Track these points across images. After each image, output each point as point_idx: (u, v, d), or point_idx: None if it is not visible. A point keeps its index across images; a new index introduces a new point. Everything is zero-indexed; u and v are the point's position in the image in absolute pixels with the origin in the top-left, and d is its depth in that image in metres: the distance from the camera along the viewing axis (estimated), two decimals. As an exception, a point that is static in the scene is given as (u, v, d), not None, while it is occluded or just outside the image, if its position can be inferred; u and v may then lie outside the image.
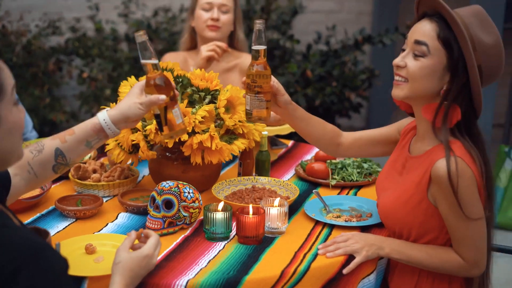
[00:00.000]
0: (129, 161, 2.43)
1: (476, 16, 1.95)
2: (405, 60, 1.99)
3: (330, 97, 4.47)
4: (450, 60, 1.94)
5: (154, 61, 1.90)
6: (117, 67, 4.68)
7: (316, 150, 3.07)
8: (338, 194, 2.54)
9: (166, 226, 2.12)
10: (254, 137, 2.40)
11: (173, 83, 1.95)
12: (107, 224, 2.21)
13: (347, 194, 2.54)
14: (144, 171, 2.70)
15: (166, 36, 4.73)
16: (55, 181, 2.52)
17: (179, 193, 2.12)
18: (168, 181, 2.16)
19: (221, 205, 2.12)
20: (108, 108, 1.92)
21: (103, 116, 1.87)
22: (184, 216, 2.13)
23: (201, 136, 2.26)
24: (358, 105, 4.71)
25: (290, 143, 3.17)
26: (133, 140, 2.28)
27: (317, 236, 2.14)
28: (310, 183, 2.63)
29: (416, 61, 1.97)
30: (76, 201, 2.31)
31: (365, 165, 2.69)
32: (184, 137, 2.24)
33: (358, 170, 2.65)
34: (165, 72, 1.99)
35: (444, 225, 2.00)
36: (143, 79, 2.01)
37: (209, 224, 2.09)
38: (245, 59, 3.38)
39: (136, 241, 1.83)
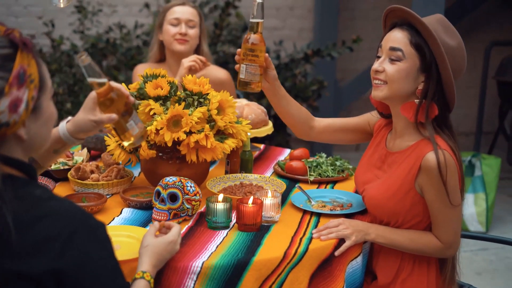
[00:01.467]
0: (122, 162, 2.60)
1: (440, 23, 2.23)
2: (383, 65, 2.26)
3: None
4: (423, 63, 2.21)
5: (102, 79, 1.90)
6: (78, 82, 4.82)
7: (288, 151, 3.31)
8: (317, 188, 2.77)
9: (171, 217, 2.30)
10: (241, 137, 2.61)
11: (126, 93, 1.96)
12: (114, 218, 2.37)
13: (324, 188, 2.78)
14: (135, 173, 2.87)
15: (123, 51, 4.91)
16: (55, 182, 2.65)
17: (182, 187, 2.31)
18: (171, 177, 2.35)
19: (221, 197, 2.32)
20: (69, 118, 2.05)
21: (63, 129, 2.00)
22: (187, 208, 2.32)
23: (197, 135, 2.46)
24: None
25: (262, 146, 3.40)
26: (135, 140, 2.46)
27: (308, 223, 2.37)
28: (289, 179, 2.85)
29: (393, 65, 2.23)
30: (81, 199, 2.46)
31: (338, 163, 2.94)
32: (182, 136, 2.43)
33: (332, 167, 2.90)
34: (115, 85, 1.95)
35: (427, 211, 2.26)
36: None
37: (211, 214, 2.29)
38: (211, 70, 3.60)
39: (157, 233, 2.02)
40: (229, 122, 2.56)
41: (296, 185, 2.71)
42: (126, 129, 1.98)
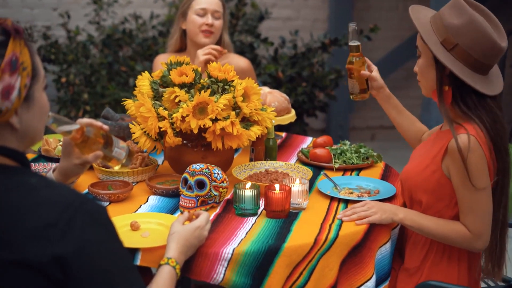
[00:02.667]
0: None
1: (448, 6, 2.25)
2: (416, 66, 2.35)
3: (301, 96, 4.72)
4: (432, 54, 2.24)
5: (73, 126, 1.85)
6: (94, 72, 4.80)
7: (311, 139, 3.29)
8: (343, 175, 2.75)
9: (199, 204, 2.28)
10: (266, 124, 2.59)
11: (98, 125, 1.91)
12: (140, 205, 2.36)
13: (350, 175, 2.76)
14: (159, 161, 2.85)
15: (139, 41, 4.89)
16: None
17: (210, 174, 2.30)
18: (198, 164, 2.33)
19: (249, 184, 2.30)
20: (54, 167, 2.02)
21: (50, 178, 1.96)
22: (214, 195, 2.30)
23: (223, 122, 2.44)
24: (325, 105, 4.97)
25: (283, 134, 3.38)
26: (161, 128, 2.44)
27: (336, 210, 2.35)
28: (314, 167, 2.83)
29: (417, 63, 2.33)
30: (107, 186, 2.45)
31: (362, 150, 2.91)
32: (208, 123, 2.42)
33: (356, 155, 2.88)
34: (84, 122, 1.89)
35: (453, 197, 2.24)
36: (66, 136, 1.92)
37: (239, 201, 2.27)
38: (232, 58, 3.57)
39: (187, 222, 2.01)
40: (254, 109, 2.54)
41: (322, 172, 2.69)
42: (113, 158, 1.96)
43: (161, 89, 2.58)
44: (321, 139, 3.03)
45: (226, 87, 2.55)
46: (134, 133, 2.52)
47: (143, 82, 2.59)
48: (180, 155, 2.57)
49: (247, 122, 2.56)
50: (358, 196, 2.45)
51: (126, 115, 3.08)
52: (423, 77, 2.31)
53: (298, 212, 2.32)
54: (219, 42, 3.58)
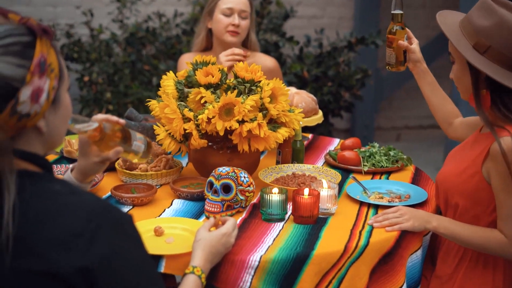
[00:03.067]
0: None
1: (476, 7, 2.17)
2: (451, 73, 2.28)
3: (327, 96, 4.63)
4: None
5: (92, 125, 1.75)
6: (118, 71, 4.76)
7: (338, 141, 3.21)
8: (372, 179, 2.67)
9: (225, 209, 2.22)
10: (294, 125, 2.51)
11: (114, 119, 1.83)
12: (164, 210, 2.30)
13: (379, 179, 2.68)
14: (183, 163, 2.79)
15: (163, 39, 4.83)
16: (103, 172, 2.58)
17: (236, 177, 2.23)
18: (224, 167, 2.26)
19: (276, 188, 2.23)
20: (71, 167, 1.94)
21: (71, 180, 1.91)
22: (241, 199, 2.23)
23: (250, 124, 2.37)
24: (350, 105, 4.88)
25: (309, 135, 3.31)
26: (186, 129, 2.38)
27: (366, 215, 2.27)
28: (342, 170, 2.75)
29: (452, 70, 2.26)
30: (130, 189, 2.39)
31: (391, 153, 2.83)
32: (235, 125, 2.35)
33: (386, 157, 2.79)
34: (100, 118, 1.81)
35: (491, 202, 2.15)
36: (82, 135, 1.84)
37: (266, 206, 2.20)
38: (259, 58, 3.50)
39: (213, 228, 1.94)
40: (282, 111, 2.47)
41: (350, 176, 2.61)
42: (132, 151, 1.88)
43: (186, 90, 2.51)
44: (349, 141, 2.95)
45: (253, 87, 2.48)
46: (158, 134, 2.46)
47: (168, 82, 2.52)
48: (205, 157, 2.51)
49: (274, 123, 2.49)
50: (389, 201, 2.37)
51: (150, 116, 3.02)
52: (459, 83, 2.25)
53: (326, 217, 2.24)
54: (246, 41, 3.51)
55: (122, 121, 1.85)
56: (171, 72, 2.59)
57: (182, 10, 5.43)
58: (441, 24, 2.21)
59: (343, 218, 2.24)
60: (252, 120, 2.39)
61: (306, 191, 2.20)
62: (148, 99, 2.56)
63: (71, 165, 1.94)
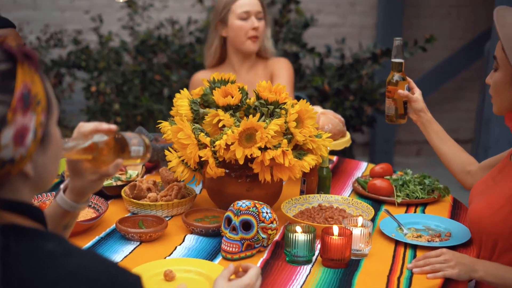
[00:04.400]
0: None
1: None
2: (490, 78, 2.02)
3: (348, 111, 4.36)
4: None
5: (86, 142, 1.46)
6: (127, 81, 4.49)
7: (366, 165, 2.94)
8: (406, 212, 2.40)
9: (244, 249, 1.96)
10: (321, 152, 2.25)
11: (105, 128, 1.51)
12: (176, 247, 2.03)
13: (414, 212, 2.41)
14: (196, 189, 2.53)
15: (176, 48, 4.56)
16: (107, 200, 2.33)
17: (257, 213, 1.97)
18: (243, 201, 2.00)
19: (301, 227, 1.97)
20: (62, 188, 1.62)
21: (65, 202, 1.58)
22: (262, 238, 1.97)
23: (273, 152, 2.11)
24: (372, 119, 4.60)
25: (334, 158, 3.04)
26: (201, 157, 2.12)
27: (403, 258, 2.00)
28: (372, 200, 2.49)
29: (493, 77, 2.00)
30: (137, 222, 2.13)
31: (426, 181, 2.56)
32: (256, 152, 2.09)
33: (421, 187, 2.53)
34: (87, 128, 1.51)
35: None
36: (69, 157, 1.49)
37: (291, 246, 1.94)
38: (273, 62, 3.23)
39: (233, 276, 1.67)
40: (309, 136, 2.20)
41: (383, 209, 2.34)
42: (132, 158, 1.57)
43: (201, 110, 2.25)
44: (379, 168, 2.68)
45: (277, 110, 2.21)
46: (170, 161, 2.20)
47: (182, 102, 2.26)
48: (221, 186, 2.25)
49: (299, 150, 2.22)
50: (428, 241, 2.10)
51: (160, 134, 2.76)
52: (497, 94, 2.00)
53: (359, 259, 1.98)
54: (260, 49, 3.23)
55: (113, 126, 1.52)
56: (185, 90, 2.33)
57: (196, 17, 5.17)
58: (497, 24, 1.92)
59: (378, 261, 1.97)
60: (275, 147, 2.13)
61: (336, 229, 1.94)
62: (158, 112, 2.29)
63: (62, 185, 1.63)
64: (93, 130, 1.50)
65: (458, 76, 5.69)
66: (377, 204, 2.46)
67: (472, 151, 5.41)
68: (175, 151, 2.20)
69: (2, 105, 1.04)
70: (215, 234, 2.10)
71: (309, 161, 2.19)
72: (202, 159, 2.12)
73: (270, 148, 2.13)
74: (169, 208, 2.24)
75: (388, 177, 2.61)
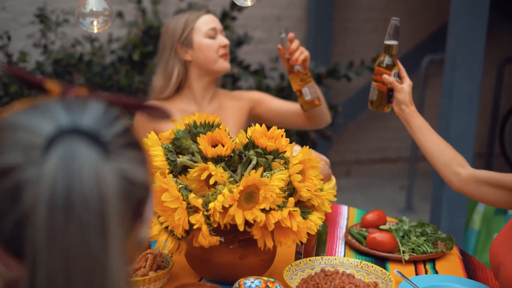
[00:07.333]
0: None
1: None
2: None
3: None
4: None
5: None
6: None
7: (346, 209, 2.58)
8: (416, 271, 2.07)
9: None
10: (325, 208, 1.88)
11: None
12: None
13: (425, 270, 2.08)
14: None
15: (99, 69, 4.04)
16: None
17: (271, 295, 1.57)
18: (250, 279, 1.61)
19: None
20: None
21: None
22: (277, 326, 1.58)
23: (278, 213, 1.72)
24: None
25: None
26: (193, 224, 1.69)
27: None
28: (374, 258, 2.14)
29: None
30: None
31: (428, 230, 2.24)
32: (260, 216, 1.69)
33: (424, 238, 2.20)
34: None
35: None
36: None
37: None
38: (242, 94, 2.84)
39: None
40: (314, 191, 1.83)
41: (395, 271, 1.99)
42: None
43: (179, 160, 1.83)
44: (371, 216, 2.33)
45: (277, 160, 1.82)
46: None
47: (155, 151, 1.83)
48: (208, 254, 1.83)
49: (303, 208, 1.84)
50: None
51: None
52: None
53: None
54: None
55: None
56: (153, 133, 1.89)
57: (115, 32, 4.65)
58: None
59: None
60: (280, 207, 1.74)
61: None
62: None
63: None
64: None
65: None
66: (379, 261, 2.12)
67: (410, 170, 5.20)
68: (156, 216, 1.76)
69: None
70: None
71: (315, 221, 1.82)
72: (194, 227, 1.69)
73: (273, 209, 1.73)
74: (145, 285, 1.80)
75: (384, 227, 2.27)
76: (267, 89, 4.16)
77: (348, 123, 5.66)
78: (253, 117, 2.81)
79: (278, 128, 1.87)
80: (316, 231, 1.82)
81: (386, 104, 2.19)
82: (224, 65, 2.61)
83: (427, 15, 5.82)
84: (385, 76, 2.14)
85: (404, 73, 2.17)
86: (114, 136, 0.85)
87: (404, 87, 2.14)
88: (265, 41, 5.42)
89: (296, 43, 2.50)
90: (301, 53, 2.49)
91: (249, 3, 2.10)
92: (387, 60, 2.17)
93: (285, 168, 1.80)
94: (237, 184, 1.70)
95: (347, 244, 2.25)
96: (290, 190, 1.81)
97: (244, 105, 2.77)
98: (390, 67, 2.15)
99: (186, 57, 2.60)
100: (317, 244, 2.06)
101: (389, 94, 2.16)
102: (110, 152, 0.83)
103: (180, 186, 1.72)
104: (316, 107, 2.58)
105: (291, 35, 2.50)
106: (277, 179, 1.73)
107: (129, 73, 4.13)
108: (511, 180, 1.87)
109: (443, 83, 3.81)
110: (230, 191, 1.68)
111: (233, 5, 4.20)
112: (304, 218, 1.81)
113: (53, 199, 0.78)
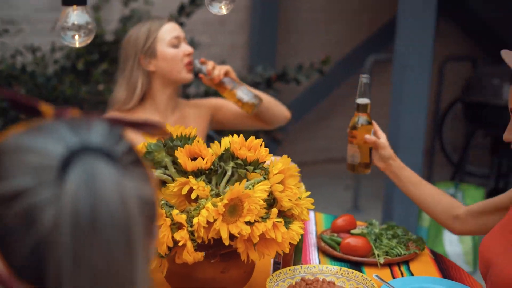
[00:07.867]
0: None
1: None
2: (509, 134, 1.76)
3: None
4: None
5: None
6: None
7: (312, 213, 2.59)
8: (392, 274, 2.09)
9: None
10: (304, 217, 1.87)
11: None
12: None
13: (400, 272, 2.10)
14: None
15: (43, 80, 3.93)
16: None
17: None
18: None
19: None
20: None
21: None
22: None
23: (262, 225, 1.70)
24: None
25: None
26: (178, 241, 1.65)
27: None
28: (349, 263, 2.14)
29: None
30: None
31: (399, 232, 2.27)
32: (245, 229, 1.67)
33: (396, 240, 2.22)
34: None
35: None
36: None
37: None
38: (202, 102, 2.82)
39: None
40: (295, 200, 1.82)
41: (374, 276, 2.00)
42: None
43: (156, 171, 1.80)
44: (341, 220, 2.34)
45: (257, 171, 1.80)
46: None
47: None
48: (189, 270, 1.79)
49: (284, 218, 1.83)
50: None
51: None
52: None
53: None
54: None
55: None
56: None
57: (56, 41, 4.53)
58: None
59: None
60: (263, 219, 1.72)
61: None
62: None
63: None
64: None
65: (333, 94, 5.50)
66: (354, 266, 2.12)
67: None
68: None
69: None
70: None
71: (296, 230, 1.80)
72: (180, 243, 1.65)
73: (257, 221, 1.71)
74: (126, 305, 1.75)
75: (355, 231, 2.28)
76: (215, 94, 4.13)
77: (294, 124, 5.68)
78: (215, 123, 2.80)
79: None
80: (298, 240, 1.81)
81: (368, 166, 2.17)
82: (188, 75, 2.58)
83: (368, 15, 5.90)
84: (367, 137, 2.12)
85: (377, 127, 2.16)
86: (123, 153, 0.84)
87: (384, 142, 2.13)
88: (210, 45, 5.39)
89: (210, 64, 2.56)
90: (220, 69, 2.54)
91: (224, 12, 2.08)
92: (362, 120, 2.13)
93: (265, 178, 1.79)
94: (221, 197, 1.67)
95: (320, 250, 2.25)
96: (270, 200, 1.79)
97: (205, 112, 2.75)
98: (367, 126, 2.14)
99: (149, 68, 2.55)
100: (294, 252, 2.06)
101: (370, 154, 2.14)
102: (124, 169, 0.82)
103: (162, 202, 1.68)
104: (259, 106, 2.57)
105: (201, 59, 2.57)
106: (260, 190, 1.71)
107: (73, 83, 4.03)
108: (504, 200, 1.91)
109: (392, 83, 3.86)
110: (214, 205, 1.65)
111: (181, 11, 4.15)
112: (286, 228, 1.79)
113: (78, 219, 0.77)
